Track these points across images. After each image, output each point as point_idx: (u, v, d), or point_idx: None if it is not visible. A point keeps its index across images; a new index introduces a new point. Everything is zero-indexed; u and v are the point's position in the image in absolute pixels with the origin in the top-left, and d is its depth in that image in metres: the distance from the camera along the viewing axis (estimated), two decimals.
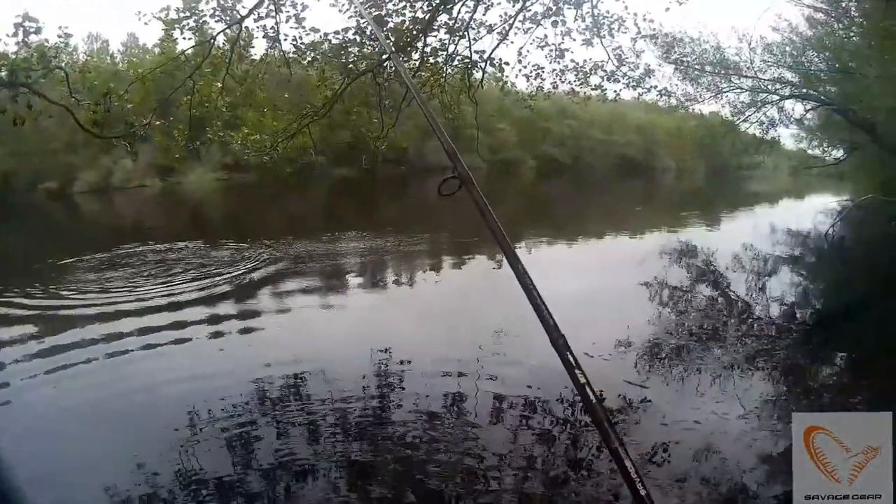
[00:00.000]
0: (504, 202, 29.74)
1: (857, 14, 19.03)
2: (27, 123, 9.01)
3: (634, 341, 8.55)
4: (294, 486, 4.98)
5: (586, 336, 8.09)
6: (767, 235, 20.24)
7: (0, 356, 8.39)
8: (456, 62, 12.57)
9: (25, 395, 7.21)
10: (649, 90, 14.54)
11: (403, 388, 7.04)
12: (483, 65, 12.54)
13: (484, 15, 12.63)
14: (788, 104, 23.98)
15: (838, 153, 26.82)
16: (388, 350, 8.19)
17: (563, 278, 11.19)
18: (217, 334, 9.39)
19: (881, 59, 12.96)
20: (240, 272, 13.59)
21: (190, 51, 10.88)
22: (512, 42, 12.73)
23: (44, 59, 8.87)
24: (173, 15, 10.16)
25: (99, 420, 6.34)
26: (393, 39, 11.04)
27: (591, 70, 13.12)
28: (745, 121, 24.23)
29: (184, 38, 10.71)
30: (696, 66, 22.32)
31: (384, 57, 10.95)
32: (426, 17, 11.14)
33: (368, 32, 10.85)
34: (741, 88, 23.21)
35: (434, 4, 11.23)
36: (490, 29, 12.11)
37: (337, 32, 11.25)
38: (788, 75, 22.37)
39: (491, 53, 12.31)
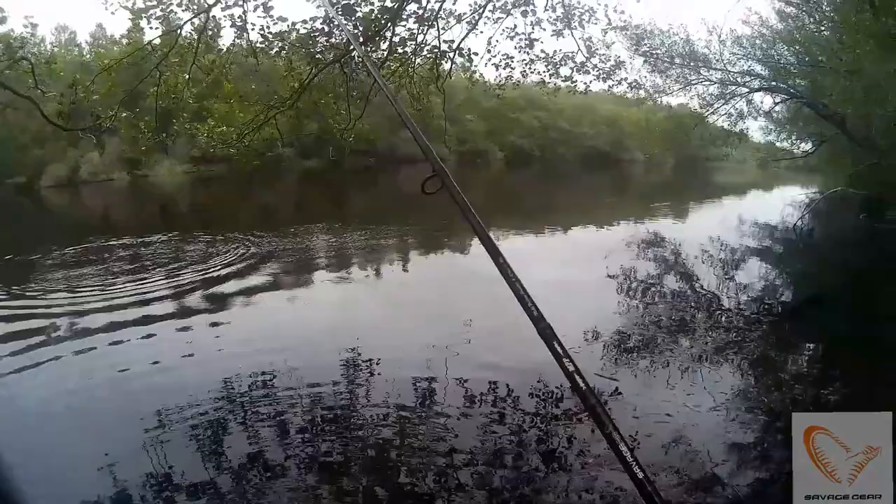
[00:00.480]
0: (472, 193, 29.69)
1: (828, 9, 19.13)
2: None
3: (603, 333, 8.56)
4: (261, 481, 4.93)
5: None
6: (736, 227, 20.38)
7: None
8: (425, 52, 12.42)
9: None
10: (619, 82, 14.42)
11: (372, 384, 6.97)
12: (452, 55, 12.41)
13: (454, 4, 12.57)
14: (757, 97, 24.10)
15: (807, 146, 26.90)
16: (357, 347, 8.08)
17: (531, 269, 11.11)
18: (185, 329, 9.27)
19: (853, 54, 12.95)
20: (208, 267, 13.44)
21: (157, 40, 10.67)
22: (482, 32, 12.67)
23: (9, 49, 8.65)
24: (140, 4, 9.92)
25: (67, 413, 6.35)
26: (361, 29, 10.90)
27: (561, 61, 13.06)
28: (713, 113, 24.23)
29: (151, 28, 10.48)
30: (666, 59, 22.38)
31: (351, 48, 10.79)
32: (395, 7, 10.98)
33: (336, 22, 10.68)
34: (710, 81, 23.23)
35: None
36: (459, 18, 11.97)
37: (305, 21, 11.05)
38: (758, 68, 22.38)
39: (460, 43, 12.18)
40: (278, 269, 13.52)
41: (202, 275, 12.67)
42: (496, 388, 6.67)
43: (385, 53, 11.85)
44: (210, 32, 11.20)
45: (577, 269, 12.74)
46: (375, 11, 10.83)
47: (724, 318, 9.66)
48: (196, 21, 10.64)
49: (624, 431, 4.65)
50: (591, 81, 13.65)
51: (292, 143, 41.36)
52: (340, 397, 6.61)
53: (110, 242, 16.93)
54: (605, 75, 13.69)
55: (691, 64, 22.54)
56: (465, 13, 12.03)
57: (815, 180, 32.17)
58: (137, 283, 12.20)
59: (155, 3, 9.98)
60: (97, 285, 12.04)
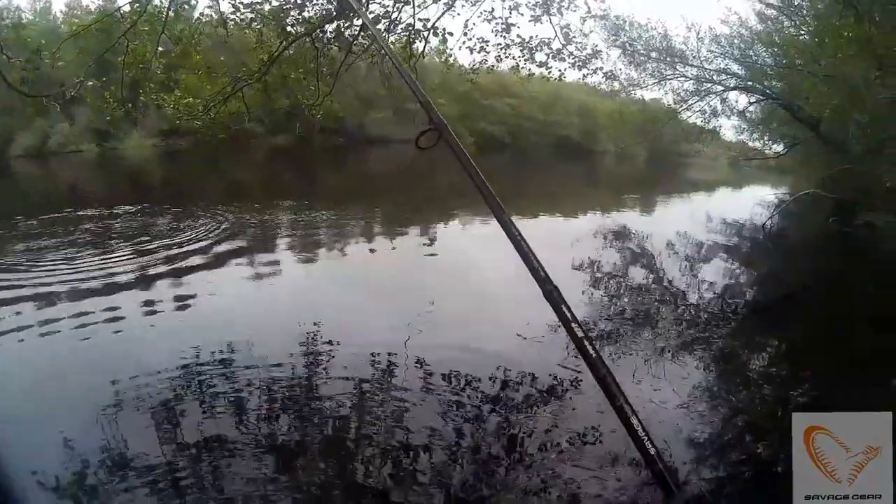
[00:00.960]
0: (440, 177, 29.65)
1: (808, 13, 19.19)
2: None
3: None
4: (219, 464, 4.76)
5: (520, 316, 8.07)
6: (704, 224, 20.42)
7: None
8: (399, 30, 12.16)
9: None
10: (595, 71, 14.39)
11: (331, 366, 6.75)
12: (426, 34, 12.16)
13: None
14: (732, 95, 24.35)
15: (779, 147, 27.13)
16: (318, 327, 7.89)
17: (497, 256, 10.96)
18: (149, 303, 8.95)
19: (833, 58, 12.86)
20: (172, 241, 12.94)
21: (126, 8, 10.33)
22: (458, 14, 12.47)
23: None
24: None
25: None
26: (336, 3, 10.65)
27: (537, 46, 12.90)
28: (687, 109, 24.38)
29: None
30: (642, 52, 22.32)
31: (325, 23, 10.53)
32: None
33: None
34: (685, 77, 23.31)
35: None
36: None
37: None
38: (734, 67, 22.54)
39: (435, 22, 11.93)
40: (243, 244, 13.12)
41: (166, 249, 12.21)
42: (456, 372, 6.53)
43: (357, 30, 11.54)
44: (180, 0, 10.88)
45: (542, 257, 12.57)
46: None
47: (690, 313, 9.59)
48: None
49: (588, 428, 5.46)
50: (566, 69, 13.55)
51: (262, 119, 40.76)
52: (299, 376, 6.45)
53: (78, 213, 16.37)
54: (580, 63, 13.71)
55: (668, 59, 22.66)
56: None
57: (785, 181, 32.55)
58: (100, 256, 11.71)
59: None
60: (61, 259, 11.51)
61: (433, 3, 11.88)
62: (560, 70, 13.58)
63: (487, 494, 4.60)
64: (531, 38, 12.96)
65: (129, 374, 6.19)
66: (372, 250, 13.63)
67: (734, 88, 22.74)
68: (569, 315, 1.41)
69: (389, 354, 6.95)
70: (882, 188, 14.08)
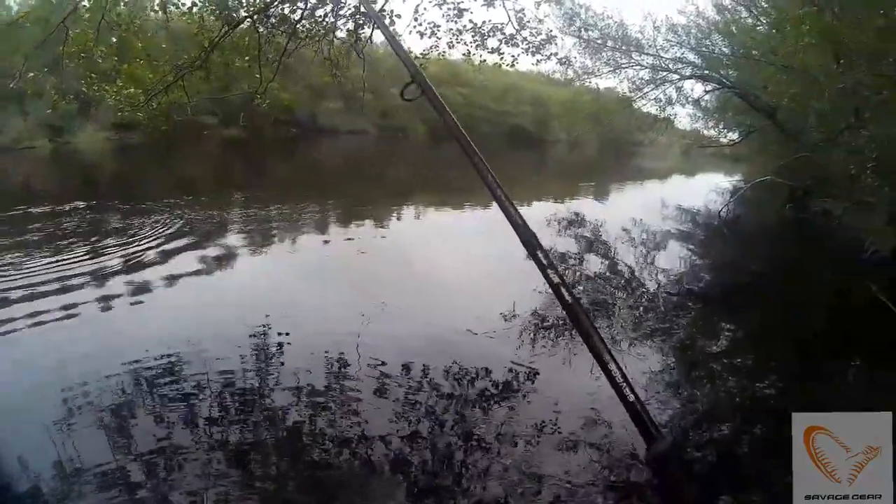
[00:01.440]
0: (393, 168, 29.50)
1: (767, 3, 19.31)
2: None
3: (521, 314, 8.23)
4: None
5: (471, 309, 8.08)
6: (659, 211, 20.53)
7: None
8: (344, 12, 11.75)
9: None
10: (549, 57, 14.08)
11: (283, 362, 6.52)
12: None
13: None
14: (688, 84, 24.48)
15: (734, 135, 27.33)
16: (269, 322, 7.58)
17: (448, 246, 10.72)
18: (101, 300, 8.52)
19: (794, 47, 12.89)
20: (122, 238, 12.34)
21: None
22: None
23: None
24: None
25: None
26: None
27: (489, 32, 12.62)
28: (642, 97, 24.43)
29: None
30: (598, 40, 22.16)
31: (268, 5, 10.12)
32: None
33: None
34: (641, 65, 23.25)
35: None
36: None
37: None
38: (690, 56, 22.59)
39: (384, 6, 11.53)
40: (194, 239, 12.62)
41: (118, 247, 11.66)
42: (410, 366, 6.41)
43: (301, 13, 11.13)
44: None
45: (495, 246, 12.34)
46: None
47: (647, 301, 9.48)
48: None
49: (546, 426, 5.34)
50: (519, 55, 13.25)
51: (214, 111, 40.09)
52: (250, 375, 6.18)
53: (30, 210, 15.62)
54: (534, 49, 13.39)
55: (623, 47, 22.54)
56: None
57: (738, 169, 33.11)
58: (50, 255, 11.05)
59: None
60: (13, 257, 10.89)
61: None
62: (513, 56, 13.28)
63: (449, 483, 4.50)
64: (484, 23, 12.72)
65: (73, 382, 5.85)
66: (326, 241, 13.43)
67: (690, 77, 22.82)
68: (545, 261, 1.37)
69: (341, 344, 6.83)
70: (839, 176, 14.06)
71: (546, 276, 1.11)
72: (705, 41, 22.06)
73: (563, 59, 15.92)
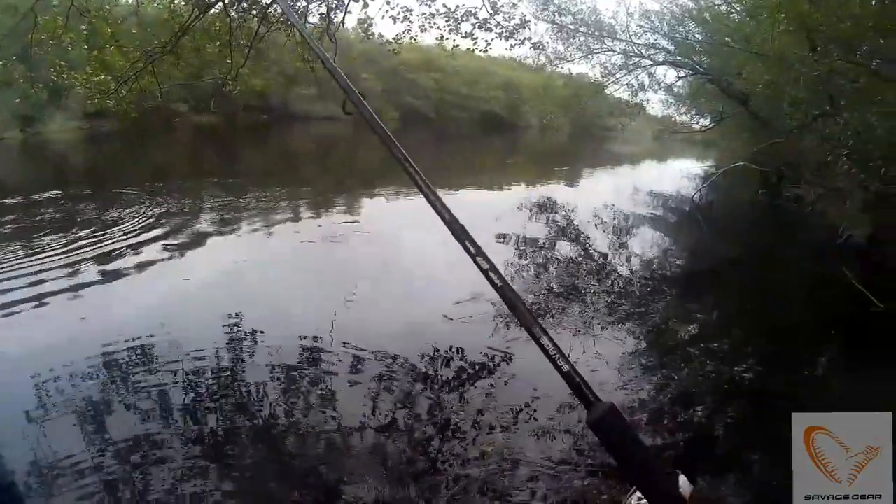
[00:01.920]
0: (365, 152, 29.39)
1: None
2: None
3: (495, 300, 7.83)
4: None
5: (445, 296, 8.03)
6: (631, 196, 20.83)
7: None
8: None
9: None
10: (522, 42, 13.94)
11: (256, 351, 6.43)
12: (346, 1, 11.64)
13: None
14: (660, 70, 24.57)
15: (705, 121, 27.48)
16: (241, 311, 7.42)
17: (421, 232, 10.64)
18: (76, 288, 8.42)
19: (770, 34, 13.08)
20: (94, 228, 12.02)
21: None
22: None
23: None
24: None
25: None
26: None
27: (462, 16, 12.50)
28: (615, 83, 24.48)
29: None
30: (571, 25, 22.14)
31: None
32: None
33: None
34: (613, 51, 23.33)
35: None
36: None
37: None
38: (663, 42, 22.75)
39: None
40: (167, 229, 12.33)
41: (91, 236, 11.40)
42: (386, 353, 6.36)
43: None
44: None
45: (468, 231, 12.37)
46: None
47: (622, 286, 9.53)
48: None
49: (523, 413, 5.38)
50: (492, 39, 13.15)
51: (186, 98, 39.81)
52: (223, 364, 6.10)
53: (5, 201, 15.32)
54: (508, 34, 13.29)
55: (596, 33, 22.57)
56: None
57: (709, 154, 33.33)
58: (21, 246, 10.74)
59: None
60: None
61: None
62: (486, 41, 13.18)
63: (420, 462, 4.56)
64: (457, 7, 12.67)
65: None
66: (298, 229, 13.24)
67: (663, 63, 22.93)
68: (473, 249, 1.50)
69: (314, 332, 6.79)
70: (812, 162, 14.18)
71: (476, 263, 1.11)
72: (678, 27, 22.18)
73: (537, 44, 15.87)
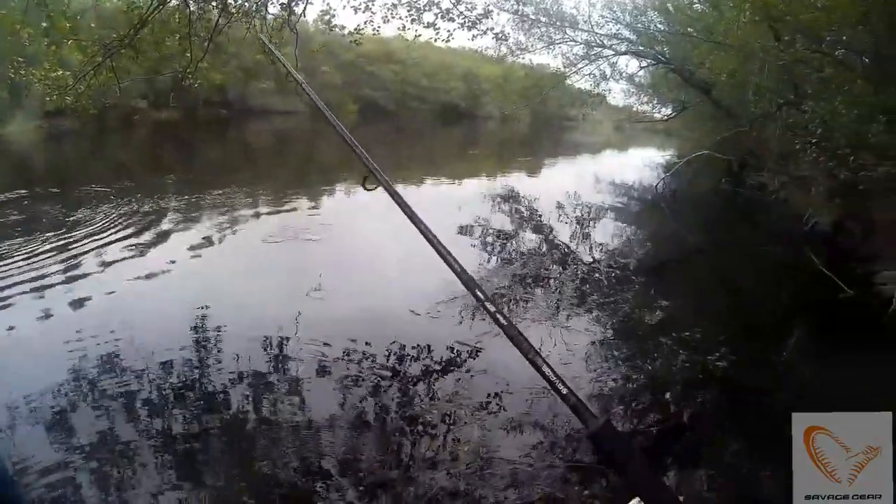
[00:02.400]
0: (323, 146, 29.24)
1: None
2: None
3: (461, 293, 8.00)
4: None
5: (411, 289, 8.07)
6: (593, 186, 21.04)
7: None
8: None
9: None
10: (485, 32, 13.87)
11: (221, 350, 6.30)
12: None
13: None
14: (622, 60, 24.75)
15: (667, 110, 27.73)
16: (207, 312, 7.28)
17: (383, 225, 10.55)
18: (36, 290, 8.15)
19: (735, 23, 13.17)
20: (56, 229, 11.70)
21: None
22: None
23: None
24: None
25: None
26: None
27: (425, 6, 12.46)
28: (576, 73, 24.55)
29: None
30: (532, 16, 22.13)
31: None
32: None
33: None
34: (575, 41, 23.36)
35: None
36: None
37: None
38: (625, 32, 22.83)
39: None
40: (128, 229, 11.98)
41: (54, 236, 11.12)
42: (353, 348, 6.30)
43: None
44: None
45: (431, 223, 12.31)
46: None
47: (589, 276, 9.56)
48: None
49: (500, 412, 5.29)
50: (455, 29, 13.07)
51: (146, 94, 39.50)
52: (189, 366, 5.95)
53: None
54: (470, 23, 13.25)
55: (557, 23, 22.59)
56: None
57: (671, 144, 33.63)
58: None
59: None
60: None
61: None
62: (449, 31, 13.11)
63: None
64: None
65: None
66: (260, 225, 13.10)
67: (625, 53, 23.03)
68: (458, 267, 1.65)
69: (280, 329, 6.71)
70: (776, 151, 14.33)
71: (461, 279, 1.59)
72: (641, 17, 22.32)
73: (499, 35, 15.83)
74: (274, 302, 7.73)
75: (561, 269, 9.92)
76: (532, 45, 23.60)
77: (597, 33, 22.65)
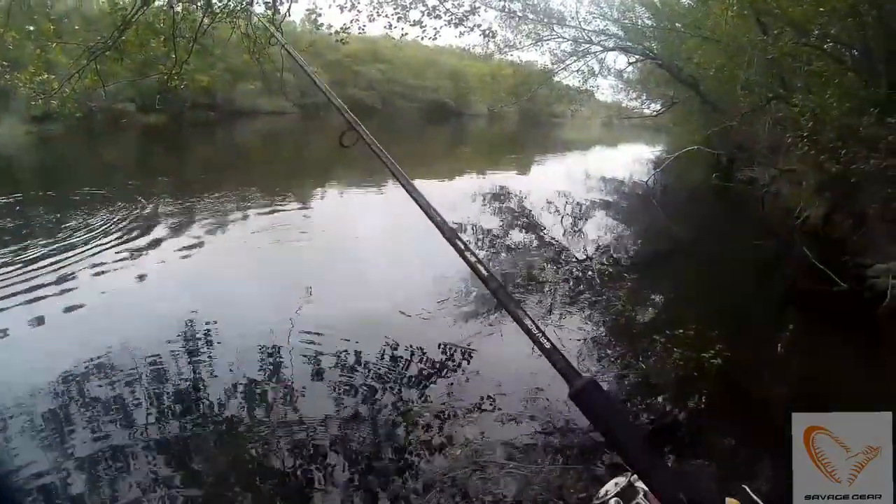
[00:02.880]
0: (311, 145, 29.15)
1: None
2: None
3: (453, 293, 8.15)
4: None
5: (402, 291, 8.06)
6: (583, 182, 20.98)
7: None
8: None
9: None
10: (472, 29, 13.84)
11: (214, 354, 6.29)
12: None
13: None
14: (610, 56, 24.71)
15: (656, 106, 27.68)
16: (196, 316, 7.20)
17: (374, 226, 10.52)
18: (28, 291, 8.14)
19: (723, 19, 13.18)
20: (45, 232, 11.72)
21: None
22: None
23: None
24: None
25: None
26: None
27: (411, 4, 12.42)
28: (564, 69, 24.41)
29: None
30: (520, 13, 22.11)
31: None
32: None
33: None
34: (563, 38, 23.33)
35: None
36: None
37: None
38: (613, 28, 22.86)
39: None
40: (119, 233, 11.93)
41: (44, 240, 11.10)
42: (345, 351, 6.29)
43: None
44: None
45: (421, 224, 12.27)
46: None
47: (581, 273, 9.52)
48: None
49: (495, 411, 5.32)
50: (441, 27, 13.06)
51: (132, 98, 39.22)
52: (182, 370, 5.94)
53: None
54: (457, 21, 13.29)
55: (545, 20, 22.53)
56: None
57: (660, 139, 33.62)
58: None
59: None
60: None
61: None
62: (435, 28, 13.07)
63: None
64: None
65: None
66: (251, 229, 12.89)
67: (613, 49, 23.05)
68: (462, 245, 1.56)
69: (272, 332, 6.65)
70: (765, 145, 14.33)
71: (463, 258, 1.55)
72: (628, 13, 22.37)
73: (487, 31, 15.81)
74: (265, 305, 7.68)
75: (555, 266, 9.84)
76: (520, 42, 23.54)
77: (585, 29, 22.64)
